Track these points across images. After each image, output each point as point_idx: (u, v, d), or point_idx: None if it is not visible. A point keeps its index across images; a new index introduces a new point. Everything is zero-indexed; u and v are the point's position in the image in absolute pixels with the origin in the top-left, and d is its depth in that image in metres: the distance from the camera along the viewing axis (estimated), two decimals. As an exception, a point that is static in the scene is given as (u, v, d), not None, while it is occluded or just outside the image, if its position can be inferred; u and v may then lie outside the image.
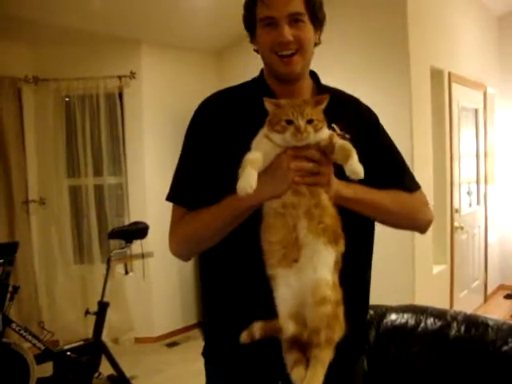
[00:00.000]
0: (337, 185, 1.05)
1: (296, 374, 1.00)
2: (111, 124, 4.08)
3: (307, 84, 1.25)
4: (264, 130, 1.03)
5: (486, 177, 4.92)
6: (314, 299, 0.97)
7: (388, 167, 1.25)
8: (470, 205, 4.69)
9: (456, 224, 4.15)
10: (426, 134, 3.70)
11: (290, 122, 0.98)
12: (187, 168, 1.23)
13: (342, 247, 1.04)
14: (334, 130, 1.11)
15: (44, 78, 3.93)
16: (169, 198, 1.24)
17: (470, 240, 4.59)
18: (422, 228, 1.29)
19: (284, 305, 1.01)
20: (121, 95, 4.08)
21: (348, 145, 1.02)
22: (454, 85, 4.04)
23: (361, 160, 1.01)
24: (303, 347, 1.01)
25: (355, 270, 1.17)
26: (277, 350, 1.04)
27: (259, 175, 0.99)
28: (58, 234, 4.05)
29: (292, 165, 1.00)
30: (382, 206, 1.16)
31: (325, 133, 1.02)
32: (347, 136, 1.10)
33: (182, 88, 4.06)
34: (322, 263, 1.00)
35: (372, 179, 1.09)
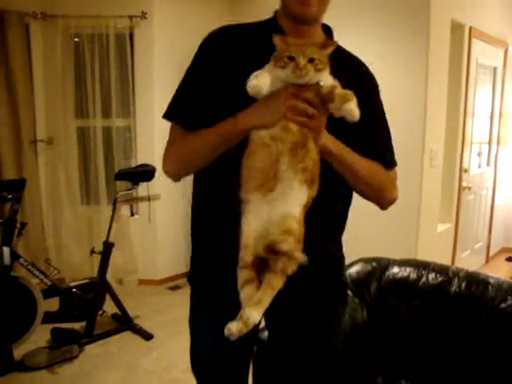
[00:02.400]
0: (325, 138, 1.09)
1: (246, 292, 1.05)
2: (121, 65, 4.00)
3: (319, 33, 1.25)
4: (269, 65, 1.05)
5: (498, 138, 4.85)
6: (280, 228, 1.02)
7: (374, 137, 1.27)
8: (480, 166, 4.64)
9: (464, 184, 4.12)
10: (441, 90, 3.61)
11: (291, 59, 1.01)
12: (188, 89, 1.24)
13: (314, 192, 1.08)
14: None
15: (52, 14, 3.82)
16: (166, 115, 1.26)
17: (477, 201, 4.58)
18: (383, 204, 1.32)
19: (250, 230, 1.05)
20: (131, 36, 3.98)
21: (351, 93, 1.04)
22: (474, 40, 3.90)
23: (352, 123, 1.06)
24: (258, 268, 1.06)
25: (323, 216, 1.21)
26: None
27: (257, 102, 1.04)
28: (65, 174, 4.06)
29: (289, 101, 1.03)
30: (358, 171, 1.20)
31: (327, 78, 1.05)
32: None
33: (194, 30, 3.89)
34: (294, 199, 1.05)
35: (356, 144, 1.17)
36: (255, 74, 1.03)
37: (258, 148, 1.06)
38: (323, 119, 1.06)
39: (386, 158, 1.29)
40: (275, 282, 1.04)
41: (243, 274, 1.06)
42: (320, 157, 1.08)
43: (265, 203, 1.04)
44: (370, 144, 1.24)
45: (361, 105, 1.10)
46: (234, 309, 1.04)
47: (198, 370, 1.41)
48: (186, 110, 1.23)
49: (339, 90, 1.04)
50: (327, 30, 1.27)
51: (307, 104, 1.03)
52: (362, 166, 1.20)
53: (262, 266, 1.06)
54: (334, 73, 1.08)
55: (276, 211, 1.04)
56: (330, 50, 1.05)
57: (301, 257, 1.06)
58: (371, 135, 1.25)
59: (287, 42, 1.03)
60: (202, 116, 1.17)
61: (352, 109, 1.02)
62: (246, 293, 1.05)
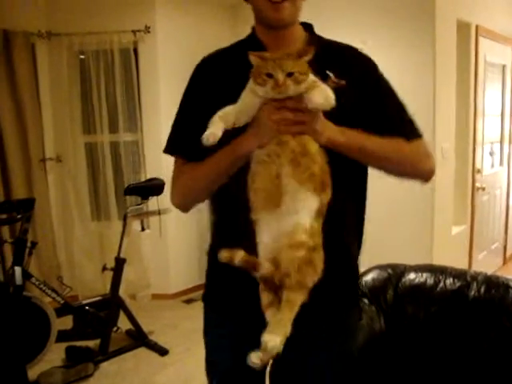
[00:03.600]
0: (329, 131, 1.07)
1: (269, 314, 1.05)
2: (126, 80, 4.02)
3: (298, 33, 1.23)
4: (250, 83, 1.05)
5: (510, 137, 4.78)
6: (288, 242, 1.01)
7: (387, 115, 1.23)
8: (493, 165, 4.57)
9: (477, 184, 4.06)
10: (450, 90, 3.57)
11: (270, 76, 0.99)
12: (183, 121, 1.27)
13: (328, 195, 1.06)
14: (328, 76, 1.12)
15: (57, 32, 3.85)
16: (166, 150, 1.29)
17: (492, 201, 4.50)
18: (423, 177, 1.26)
19: (264, 248, 1.05)
20: (136, 50, 4.00)
21: (314, 80, 1.02)
22: (481, 39, 3.86)
23: (359, 106, 1.10)
24: (277, 289, 1.04)
25: (340, 220, 1.19)
26: None
27: (249, 126, 1.06)
28: (74, 191, 4.07)
29: (273, 116, 1.02)
30: (376, 152, 1.16)
31: (309, 83, 1.02)
32: (342, 82, 1.11)
33: (198, 41, 3.94)
34: (303, 209, 1.03)
35: (372, 125, 1.13)
36: (210, 121, 1.04)
37: (257, 168, 1.06)
38: (314, 118, 1.04)
39: (407, 132, 1.22)
40: (293, 297, 1.02)
41: (263, 297, 1.07)
42: (327, 160, 1.06)
43: (274, 220, 1.04)
44: (384, 123, 1.19)
45: (361, 88, 1.09)
46: (251, 326, 1.04)
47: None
48: (184, 143, 1.25)
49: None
50: (307, 27, 1.25)
51: (292, 112, 1.02)
52: (380, 145, 1.15)
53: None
54: (326, 64, 1.10)
55: (285, 224, 1.02)
56: (308, 57, 1.02)
57: (319, 265, 1.04)
58: (383, 113, 1.21)
59: (263, 57, 1.02)
60: (201, 146, 1.14)
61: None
62: (268, 315, 1.06)
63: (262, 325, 1.13)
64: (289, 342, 1.32)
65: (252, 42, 1.22)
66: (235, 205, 1.16)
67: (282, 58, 1.00)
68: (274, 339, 0.99)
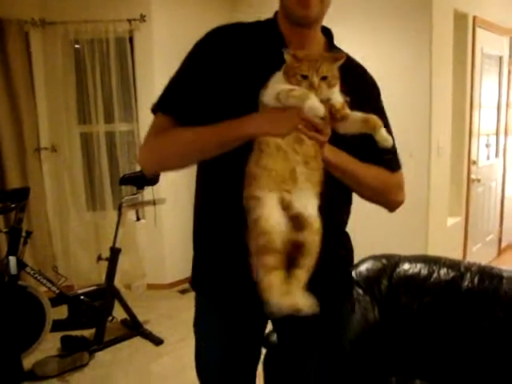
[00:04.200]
0: (327, 150, 1.08)
1: (271, 279, 0.96)
2: (122, 70, 3.98)
3: (319, 36, 1.22)
4: (279, 76, 1.05)
5: (506, 129, 4.78)
6: (312, 228, 1.01)
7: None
8: (488, 157, 4.57)
9: (473, 176, 4.07)
10: (447, 82, 3.56)
11: (305, 77, 1.01)
12: (184, 83, 1.20)
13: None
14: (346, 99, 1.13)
15: (51, 20, 3.81)
16: (158, 107, 1.21)
17: (487, 193, 4.51)
18: (390, 208, 1.30)
19: (271, 222, 1.01)
20: (131, 40, 3.96)
21: (373, 117, 1.08)
22: (478, 29, 3.85)
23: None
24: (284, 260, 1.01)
25: (334, 206, 1.20)
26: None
27: (264, 110, 1.04)
28: (70, 181, 4.04)
29: (302, 115, 1.01)
30: (362, 180, 1.20)
31: (336, 93, 1.06)
32: (347, 99, 1.11)
33: (194, 30, 3.84)
34: (313, 206, 1.04)
35: (359, 150, 1.15)
36: (300, 92, 1.01)
37: (274, 151, 1.03)
38: (329, 133, 1.05)
39: (391, 164, 1.26)
40: (302, 276, 1.01)
41: (269, 260, 0.97)
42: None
43: (279, 199, 1.02)
44: (373, 150, 1.19)
45: (363, 110, 1.09)
46: (240, 312, 1.03)
47: (204, 374, 1.38)
48: (181, 102, 1.18)
49: (352, 112, 1.07)
50: (326, 33, 1.24)
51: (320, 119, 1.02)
52: (366, 173, 1.20)
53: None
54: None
55: (297, 210, 1.02)
56: (340, 63, 1.04)
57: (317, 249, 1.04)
58: (374, 142, 1.20)
59: (297, 57, 1.02)
60: (197, 111, 1.13)
61: (385, 136, 1.08)
62: (270, 280, 0.96)
63: (252, 307, 1.11)
64: (284, 330, 1.33)
65: (272, 30, 1.18)
66: (229, 182, 1.13)
67: (318, 60, 1.01)
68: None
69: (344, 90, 1.08)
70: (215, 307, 1.27)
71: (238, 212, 1.04)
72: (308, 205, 1.03)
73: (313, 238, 1.02)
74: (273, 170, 1.02)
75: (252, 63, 1.07)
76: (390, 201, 1.29)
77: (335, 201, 1.18)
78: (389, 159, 1.26)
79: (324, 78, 1.01)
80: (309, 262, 1.02)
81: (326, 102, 1.03)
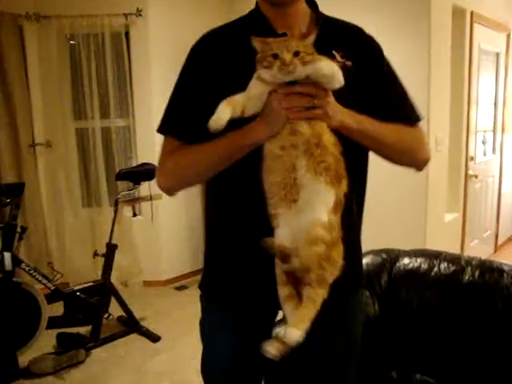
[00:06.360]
0: (341, 115, 1.04)
1: (288, 308, 1.03)
2: (118, 65, 3.96)
3: (303, 9, 1.19)
4: (256, 71, 1.02)
5: (503, 125, 4.78)
6: (306, 238, 0.98)
7: (391, 99, 1.21)
8: (485, 154, 4.57)
9: (470, 172, 4.06)
10: (444, 77, 3.54)
11: (276, 57, 0.96)
12: (181, 101, 1.19)
13: (344, 188, 1.03)
14: (334, 57, 1.09)
15: (46, 14, 3.77)
16: (160, 130, 1.21)
17: (484, 189, 4.51)
18: (417, 166, 1.26)
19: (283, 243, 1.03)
20: (127, 34, 3.93)
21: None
22: (475, 25, 3.84)
23: (362, 89, 1.09)
24: (297, 284, 1.03)
25: (352, 211, 1.19)
26: (273, 282, 1.06)
27: (258, 115, 1.02)
28: (65, 176, 4.01)
29: (283, 103, 0.99)
30: (384, 139, 1.14)
31: (316, 65, 0.98)
32: (348, 63, 1.08)
33: (191, 25, 3.88)
34: (321, 203, 1.00)
35: (374, 109, 1.11)
36: (218, 107, 1.00)
37: (271, 162, 1.02)
38: (326, 102, 1.00)
39: (409, 116, 1.22)
40: (314, 294, 1.00)
41: (282, 290, 1.04)
42: (341, 150, 1.03)
43: (292, 214, 1.00)
44: (388, 107, 1.18)
45: (365, 70, 1.07)
46: (254, 308, 1.05)
47: (213, 376, 1.34)
48: (181, 123, 1.18)
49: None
50: (311, 4, 1.21)
51: (303, 97, 0.99)
52: (388, 132, 1.14)
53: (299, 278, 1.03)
54: (332, 44, 1.08)
55: (304, 220, 0.99)
56: (312, 37, 0.99)
57: (339, 260, 1.02)
58: (387, 98, 1.19)
59: (266, 41, 0.99)
60: (198, 128, 1.09)
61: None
62: (287, 309, 1.03)
63: (266, 312, 1.13)
64: None
65: (256, 18, 1.17)
66: (248, 197, 1.12)
67: (287, 40, 0.98)
68: (295, 332, 0.97)
69: (342, 55, 1.07)
70: (227, 307, 1.24)
71: (258, 224, 1.06)
72: (315, 206, 1.00)
73: (314, 249, 0.98)
74: (275, 185, 1.01)
75: (246, 62, 1.04)
76: (415, 160, 1.24)
77: (349, 194, 1.09)
78: (406, 112, 1.22)
79: (297, 54, 0.95)
80: (316, 276, 1.00)
81: (306, 82, 0.98)
